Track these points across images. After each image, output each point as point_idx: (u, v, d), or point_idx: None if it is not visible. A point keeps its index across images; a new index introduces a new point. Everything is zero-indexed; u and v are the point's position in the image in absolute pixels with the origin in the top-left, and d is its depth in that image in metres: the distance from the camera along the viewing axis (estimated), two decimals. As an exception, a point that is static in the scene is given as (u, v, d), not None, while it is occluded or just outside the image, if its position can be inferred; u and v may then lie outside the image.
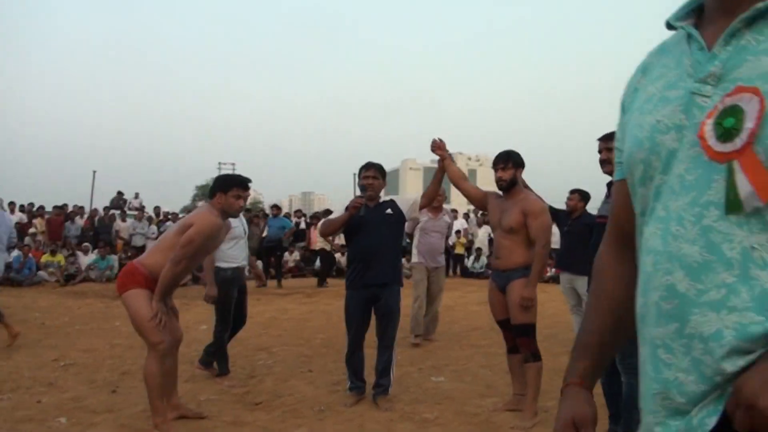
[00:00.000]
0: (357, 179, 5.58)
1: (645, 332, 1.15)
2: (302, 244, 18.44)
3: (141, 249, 16.95)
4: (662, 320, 1.09)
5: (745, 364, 0.97)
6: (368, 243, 5.27)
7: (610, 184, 4.44)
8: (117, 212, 18.54)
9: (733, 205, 0.99)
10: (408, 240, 8.64)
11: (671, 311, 1.07)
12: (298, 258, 17.82)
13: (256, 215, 18.64)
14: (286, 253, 17.31)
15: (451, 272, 17.93)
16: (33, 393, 5.52)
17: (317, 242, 16.48)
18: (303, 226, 18.78)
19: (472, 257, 17.89)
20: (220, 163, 69.61)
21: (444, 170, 5.40)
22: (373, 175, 5.40)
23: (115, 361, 6.80)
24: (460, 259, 18.08)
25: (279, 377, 6.15)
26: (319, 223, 5.82)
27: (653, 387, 1.10)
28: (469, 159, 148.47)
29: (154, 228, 17.66)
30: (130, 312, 4.49)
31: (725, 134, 1.02)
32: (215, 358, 6.18)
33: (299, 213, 20.60)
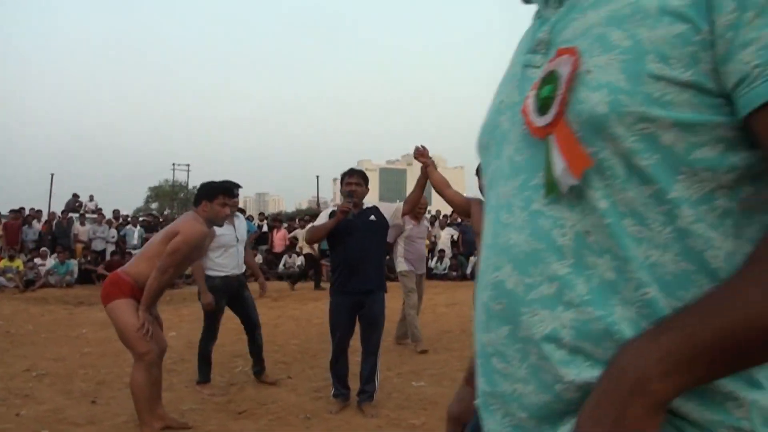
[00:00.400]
0: (340, 185, 5.58)
1: (477, 339, 0.99)
2: (264, 247, 18.34)
3: (101, 253, 16.71)
4: (492, 324, 0.93)
5: (589, 375, 0.82)
6: (353, 249, 5.27)
7: None
8: (75, 216, 18.22)
9: (550, 185, 0.86)
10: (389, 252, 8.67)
11: (501, 312, 0.91)
12: (261, 261, 17.69)
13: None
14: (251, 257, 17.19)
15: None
16: (9, 405, 5.40)
17: (303, 246, 16.46)
18: (265, 228, 18.69)
19: (435, 258, 17.95)
20: (174, 164, 68.96)
21: (427, 177, 5.42)
22: (356, 181, 5.40)
23: (89, 371, 6.69)
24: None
25: (259, 385, 6.12)
26: (305, 230, 5.79)
27: (490, 403, 0.94)
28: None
29: (114, 231, 17.39)
30: (116, 322, 4.43)
31: (543, 106, 0.88)
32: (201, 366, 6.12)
33: (262, 216, 20.49)
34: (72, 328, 9.52)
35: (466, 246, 18.36)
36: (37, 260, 15.46)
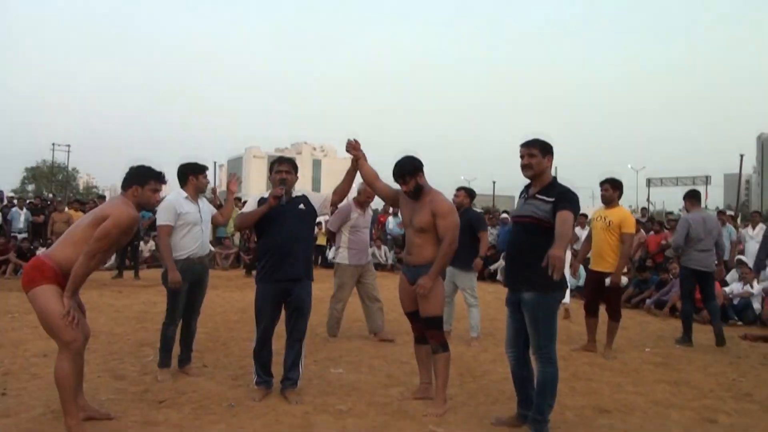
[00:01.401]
0: (269, 173, 5.52)
1: None
2: (155, 233, 17.84)
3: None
4: None
5: None
6: (281, 238, 5.24)
7: (528, 187, 4.69)
8: (-45, 197, 17.17)
9: None
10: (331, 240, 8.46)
11: None
12: (153, 248, 17.21)
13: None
14: (141, 243, 16.72)
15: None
16: None
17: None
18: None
19: (333, 248, 17.93)
20: (54, 144, 65.99)
21: (356, 169, 5.45)
22: (286, 169, 5.37)
23: (-11, 361, 6.36)
24: (321, 249, 18.13)
25: (176, 374, 5.98)
26: (236, 217, 5.66)
27: None
28: (314, 149, 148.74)
29: (-4, 213, 16.47)
30: (41, 309, 4.24)
31: None
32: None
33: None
34: (-40, 317, 9.00)
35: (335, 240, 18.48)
36: None
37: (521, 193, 4.82)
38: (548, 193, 4.48)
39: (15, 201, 18.08)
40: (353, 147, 5.38)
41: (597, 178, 7.58)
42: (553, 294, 4.51)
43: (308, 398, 5.26)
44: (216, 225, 6.55)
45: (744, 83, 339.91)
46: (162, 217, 5.80)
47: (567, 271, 7.25)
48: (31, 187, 67.61)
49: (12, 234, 15.69)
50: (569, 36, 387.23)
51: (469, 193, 8.00)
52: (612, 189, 7.44)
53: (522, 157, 4.61)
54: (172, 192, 6.09)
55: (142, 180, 4.56)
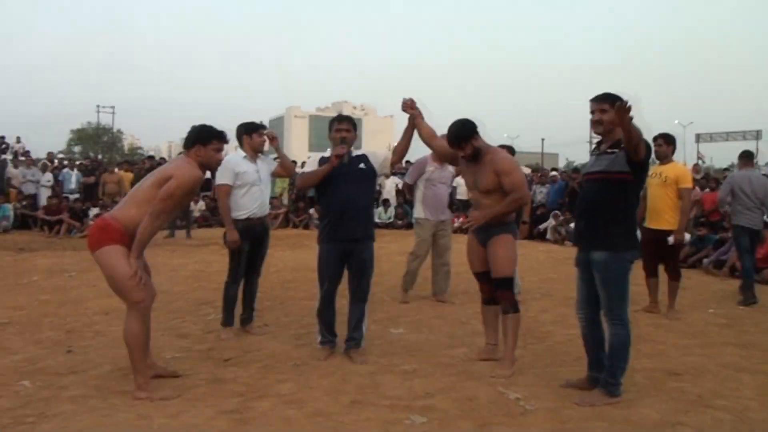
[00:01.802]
0: (328, 132, 5.40)
1: None
2: (207, 193, 17.94)
3: (33, 197, 16.11)
4: None
5: None
6: (342, 197, 5.17)
7: (599, 143, 4.53)
8: (9, 158, 17.43)
9: None
10: (408, 195, 8.26)
11: None
12: (203, 208, 17.35)
13: (159, 164, 18.02)
14: (191, 203, 16.83)
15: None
16: (-21, 355, 5.16)
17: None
18: (208, 175, 18.27)
19: (380, 209, 17.90)
20: (98, 106, 66.70)
21: (414, 128, 5.34)
22: (347, 128, 5.27)
23: (53, 319, 6.45)
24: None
25: (237, 332, 6.00)
26: (298, 178, 5.60)
27: None
28: (354, 108, 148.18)
29: (49, 175, 16.71)
30: (108, 270, 4.23)
31: None
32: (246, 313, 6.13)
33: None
34: (21, 276, 9.18)
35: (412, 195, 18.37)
36: (-31, 204, 14.79)
37: (592, 151, 4.67)
38: (620, 145, 4.32)
39: (66, 162, 18.34)
40: (409, 106, 5.27)
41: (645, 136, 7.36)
42: (626, 253, 4.37)
43: (372, 358, 5.22)
44: (278, 177, 6.52)
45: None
46: (220, 178, 5.80)
47: None
48: (77, 149, 68.45)
49: (64, 195, 15.92)
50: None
51: (510, 152, 7.82)
52: (666, 144, 7.20)
53: (592, 112, 4.43)
54: (231, 152, 6.08)
55: (205, 139, 4.49)
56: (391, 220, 17.48)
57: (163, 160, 18.89)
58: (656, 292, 7.43)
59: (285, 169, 6.13)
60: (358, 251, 5.20)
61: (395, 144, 5.64)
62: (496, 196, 4.93)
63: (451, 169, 7.59)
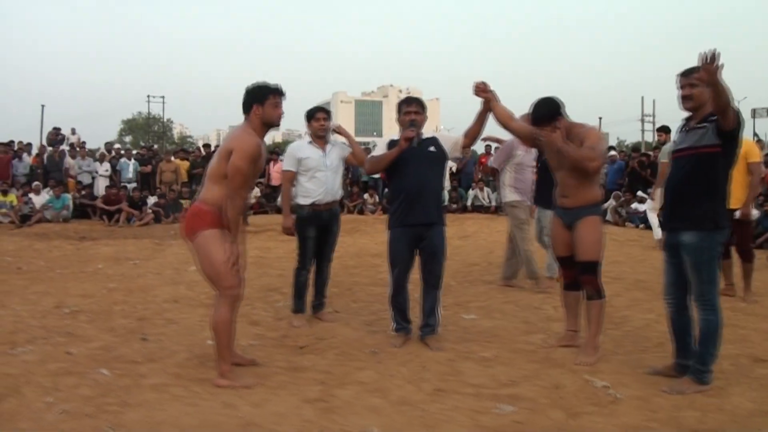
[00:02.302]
0: (397, 114, 5.27)
1: None
2: (262, 180, 18.00)
3: (90, 187, 16.33)
4: None
5: None
6: (412, 181, 5.05)
7: (688, 119, 4.32)
8: (67, 149, 17.69)
9: None
10: (491, 177, 8.01)
11: None
12: (258, 194, 17.38)
13: (215, 152, 18.13)
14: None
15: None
16: (55, 344, 5.15)
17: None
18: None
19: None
20: (149, 96, 67.62)
21: (487, 111, 5.16)
22: (415, 110, 5.13)
23: (123, 307, 6.45)
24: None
25: (309, 319, 5.94)
26: (367, 162, 5.49)
27: None
28: (400, 92, 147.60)
29: (107, 165, 16.92)
30: (203, 255, 4.19)
31: None
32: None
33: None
34: (85, 264, 9.27)
35: (466, 178, 18.21)
36: (31, 195, 15.03)
37: (680, 127, 4.44)
38: (709, 119, 4.11)
39: (123, 152, 18.55)
40: (482, 90, 5.08)
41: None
42: (716, 233, 4.15)
43: (448, 345, 5.10)
44: (351, 165, 6.39)
45: None
46: (284, 164, 5.89)
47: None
48: (128, 139, 69.55)
49: (122, 184, 16.10)
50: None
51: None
52: None
53: (682, 87, 4.21)
54: (299, 138, 6.06)
55: (261, 97, 4.32)
56: (445, 204, 17.26)
57: (216, 146, 19.03)
58: (731, 274, 7.17)
59: (356, 157, 6.00)
60: (430, 236, 5.07)
61: (441, 126, 5.48)
62: (583, 174, 4.71)
63: (534, 151, 7.28)
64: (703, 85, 4.08)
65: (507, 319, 5.99)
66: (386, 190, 17.16)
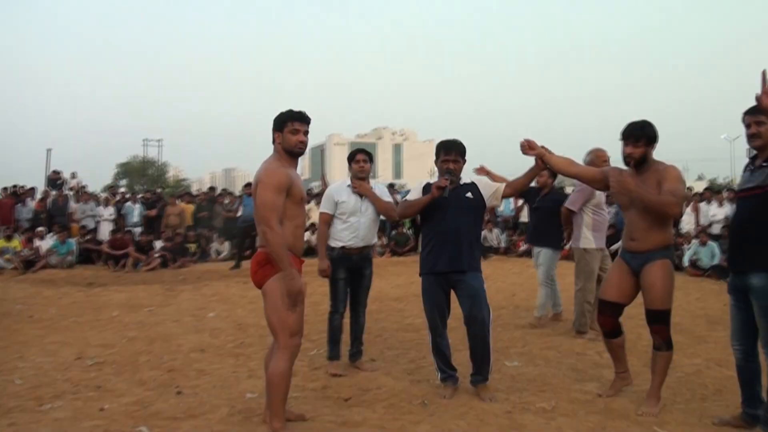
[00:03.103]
0: (435, 160, 5.10)
1: None
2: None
3: (93, 231, 16.08)
4: None
5: None
6: (445, 227, 4.90)
7: (754, 158, 4.16)
8: (71, 193, 17.48)
9: None
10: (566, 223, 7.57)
11: None
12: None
13: (221, 195, 17.97)
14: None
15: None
16: (85, 399, 4.91)
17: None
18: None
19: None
20: (145, 140, 67.59)
21: (541, 167, 5.02)
22: (454, 158, 4.97)
23: (149, 358, 6.20)
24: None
25: (346, 367, 5.70)
26: (399, 205, 5.35)
27: None
28: (393, 134, 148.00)
29: (111, 209, 16.69)
30: (269, 303, 4.01)
31: None
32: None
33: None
34: (99, 311, 8.98)
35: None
36: (35, 240, 14.76)
37: (746, 167, 4.27)
38: None
39: (128, 196, 18.34)
40: (530, 147, 4.93)
41: (691, 153, 6.88)
42: None
43: (501, 395, 4.87)
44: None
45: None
46: (321, 205, 5.78)
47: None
48: (123, 182, 69.28)
49: (127, 228, 15.86)
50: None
51: (553, 173, 7.39)
52: None
53: (748, 126, 4.06)
54: (339, 180, 5.90)
55: (280, 125, 4.15)
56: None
57: (224, 191, 18.79)
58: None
59: (383, 212, 5.80)
60: (466, 281, 4.88)
61: (435, 168, 5.31)
62: (656, 216, 4.47)
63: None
64: None
65: (552, 366, 5.75)
66: (393, 231, 16.99)
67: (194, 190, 34.60)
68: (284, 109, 4.26)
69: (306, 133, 4.18)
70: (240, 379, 5.43)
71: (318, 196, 14.97)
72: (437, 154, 5.08)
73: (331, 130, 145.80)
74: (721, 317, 7.80)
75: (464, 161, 5.08)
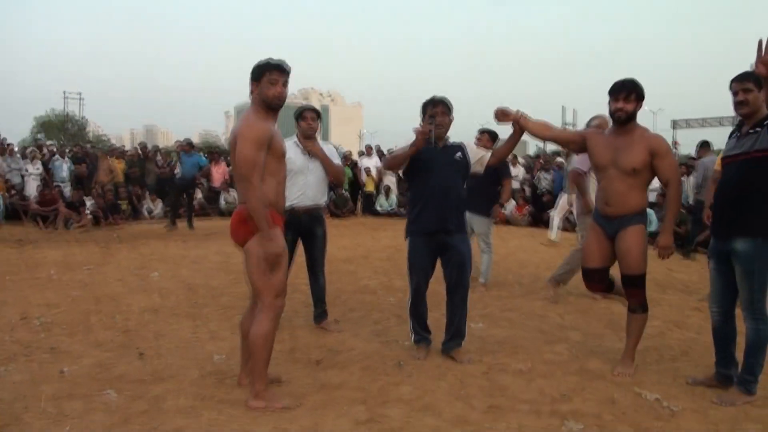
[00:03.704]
0: (421, 116, 4.92)
1: None
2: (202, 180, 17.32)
3: (20, 188, 15.36)
4: None
5: None
6: (435, 184, 4.74)
7: (740, 125, 4.19)
8: (-7, 148, 16.58)
9: None
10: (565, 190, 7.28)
11: None
12: (200, 197, 16.72)
13: (153, 152, 17.43)
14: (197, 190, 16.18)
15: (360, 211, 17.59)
16: (40, 361, 4.65)
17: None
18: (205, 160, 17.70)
19: (381, 196, 17.47)
20: (65, 92, 65.05)
21: (520, 132, 4.88)
22: (441, 110, 4.82)
23: (101, 318, 5.92)
24: (370, 197, 17.68)
25: (310, 330, 5.59)
26: (384, 158, 5.15)
27: None
28: (321, 95, 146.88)
29: (38, 165, 15.89)
30: (252, 261, 3.81)
31: None
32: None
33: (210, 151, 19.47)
34: (34, 270, 8.56)
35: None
36: (-45, 195, 13.97)
37: (731, 134, 4.29)
38: (763, 123, 3.97)
39: (55, 150, 17.57)
40: (504, 114, 4.82)
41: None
42: None
43: (475, 356, 4.83)
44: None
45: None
46: None
47: None
48: (40, 137, 66.57)
49: (56, 185, 15.20)
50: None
51: (492, 137, 7.38)
52: None
53: (735, 93, 4.07)
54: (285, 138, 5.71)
55: (257, 75, 3.87)
56: (392, 209, 17.03)
57: (154, 147, 18.16)
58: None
59: (332, 175, 5.67)
60: (455, 243, 4.79)
61: (363, 130, 5.19)
62: (637, 180, 4.45)
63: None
64: (757, 90, 3.96)
65: (517, 328, 5.76)
66: (332, 192, 16.78)
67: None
68: (259, 58, 3.98)
69: (285, 83, 3.89)
70: (202, 340, 5.25)
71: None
72: (423, 111, 4.89)
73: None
74: (669, 281, 8.02)
75: (451, 117, 4.92)
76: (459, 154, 4.85)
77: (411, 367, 4.57)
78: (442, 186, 4.74)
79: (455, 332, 4.86)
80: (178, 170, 14.75)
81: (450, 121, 4.89)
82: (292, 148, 5.41)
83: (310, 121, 5.53)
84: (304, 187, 5.48)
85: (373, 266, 8.99)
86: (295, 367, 4.60)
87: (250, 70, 3.94)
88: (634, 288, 4.55)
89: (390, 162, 4.96)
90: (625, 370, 4.53)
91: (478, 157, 4.97)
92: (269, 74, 3.84)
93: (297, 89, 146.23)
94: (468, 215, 6.89)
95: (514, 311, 6.38)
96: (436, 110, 4.81)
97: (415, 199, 4.91)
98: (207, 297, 6.88)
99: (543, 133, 4.88)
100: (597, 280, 4.79)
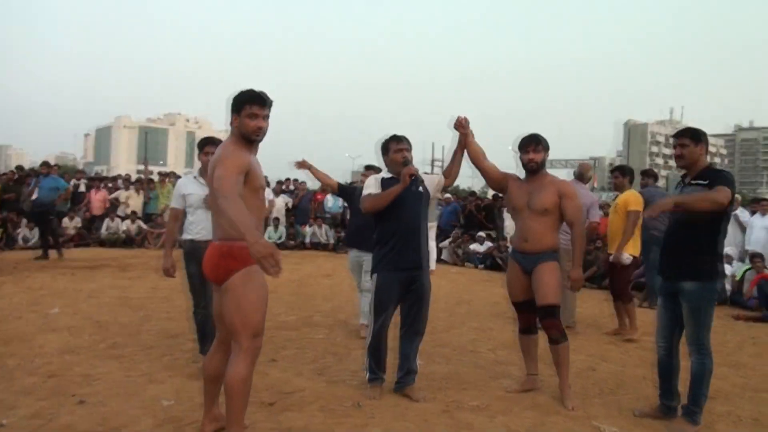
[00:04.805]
0: (382, 153, 4.98)
1: None
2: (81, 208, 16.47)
3: None
4: None
5: None
6: (406, 222, 4.80)
7: (684, 176, 4.55)
8: None
9: None
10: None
11: None
12: (79, 224, 15.89)
13: (28, 175, 16.42)
14: (66, 219, 15.35)
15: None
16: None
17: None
18: (82, 188, 16.84)
19: (270, 228, 17.19)
20: None
21: (464, 148, 5.10)
22: (407, 147, 4.89)
23: (18, 362, 5.46)
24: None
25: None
26: (364, 200, 4.94)
27: None
28: (188, 121, 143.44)
29: None
30: (237, 297, 3.59)
31: None
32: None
33: (80, 174, 18.50)
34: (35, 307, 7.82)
35: (302, 214, 17.86)
36: None
37: (677, 184, 4.72)
38: (703, 177, 4.33)
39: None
40: (462, 125, 5.01)
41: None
42: (713, 282, 4.42)
43: (428, 394, 4.85)
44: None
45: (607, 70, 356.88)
46: (172, 202, 5.67)
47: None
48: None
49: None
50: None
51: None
52: (621, 176, 7.71)
53: (674, 147, 4.54)
54: (183, 176, 5.69)
55: (237, 107, 3.75)
56: (281, 240, 16.82)
57: (31, 171, 16.97)
58: (623, 316, 7.57)
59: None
60: (420, 279, 4.84)
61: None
62: (549, 220, 4.91)
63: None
64: (693, 144, 4.35)
65: (456, 363, 5.85)
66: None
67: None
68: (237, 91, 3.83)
69: (266, 117, 3.76)
70: (140, 384, 4.96)
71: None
72: (386, 148, 4.94)
73: (118, 111, 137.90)
74: (579, 313, 8.29)
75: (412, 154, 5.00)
76: (420, 187, 4.90)
77: (370, 408, 4.53)
78: (414, 221, 4.82)
79: (409, 368, 4.87)
80: (36, 194, 13.73)
81: (412, 157, 4.97)
82: (191, 183, 5.49)
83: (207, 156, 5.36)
84: (205, 220, 5.27)
85: (284, 301, 8.81)
86: (251, 410, 4.40)
87: (231, 100, 3.80)
88: (552, 318, 4.85)
89: (374, 203, 4.84)
90: (572, 402, 4.76)
91: (435, 183, 5.11)
92: (249, 107, 3.71)
93: (163, 113, 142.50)
94: (356, 254, 6.92)
95: (446, 347, 6.47)
96: (403, 147, 4.87)
97: (386, 236, 4.86)
98: (123, 335, 6.53)
99: (478, 158, 5.14)
100: (526, 311, 5.09)
